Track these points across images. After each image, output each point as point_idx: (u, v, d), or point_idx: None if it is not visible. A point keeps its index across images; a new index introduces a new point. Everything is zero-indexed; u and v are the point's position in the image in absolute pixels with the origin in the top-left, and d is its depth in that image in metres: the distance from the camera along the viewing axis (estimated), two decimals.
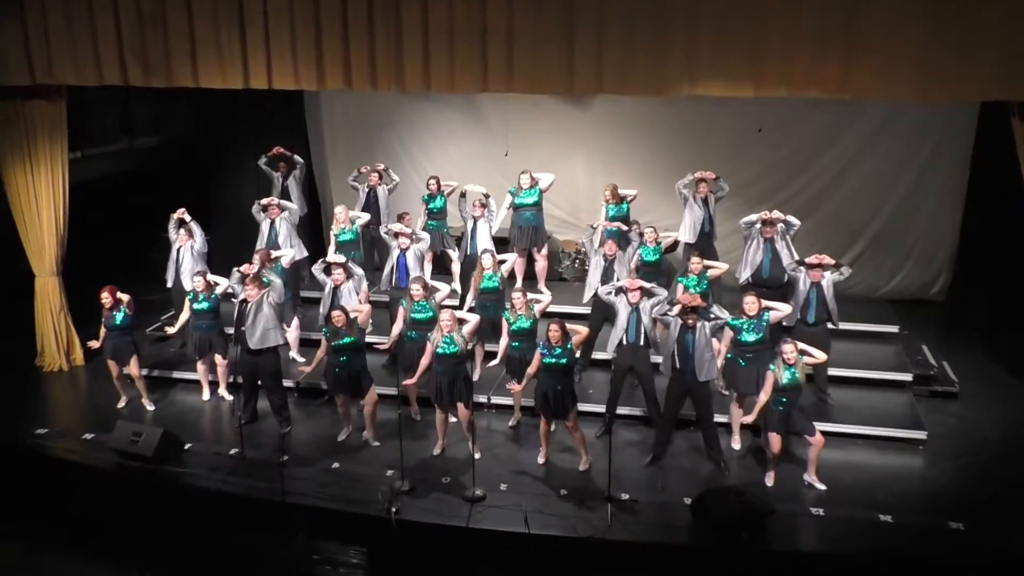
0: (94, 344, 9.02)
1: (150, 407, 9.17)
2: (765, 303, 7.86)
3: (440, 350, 7.69)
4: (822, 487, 7.47)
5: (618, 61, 7.83)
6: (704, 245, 9.81)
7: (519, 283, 10.07)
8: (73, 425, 8.89)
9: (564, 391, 7.55)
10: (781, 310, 7.95)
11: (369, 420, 8.33)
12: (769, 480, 7.55)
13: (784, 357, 7.25)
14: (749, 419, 7.54)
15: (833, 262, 8.48)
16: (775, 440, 7.38)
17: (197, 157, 12.47)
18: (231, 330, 8.77)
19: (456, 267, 10.45)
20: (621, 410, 8.48)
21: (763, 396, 7.35)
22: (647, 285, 8.00)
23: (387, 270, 9.32)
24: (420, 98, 11.64)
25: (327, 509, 7.36)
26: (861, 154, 10.89)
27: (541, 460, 8.00)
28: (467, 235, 10.06)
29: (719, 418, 8.13)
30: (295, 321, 9.75)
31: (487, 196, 9.98)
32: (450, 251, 10.57)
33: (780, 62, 7.50)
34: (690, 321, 7.54)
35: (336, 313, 8.00)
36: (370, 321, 8.39)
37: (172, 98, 12.06)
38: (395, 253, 9.27)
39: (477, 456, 7.74)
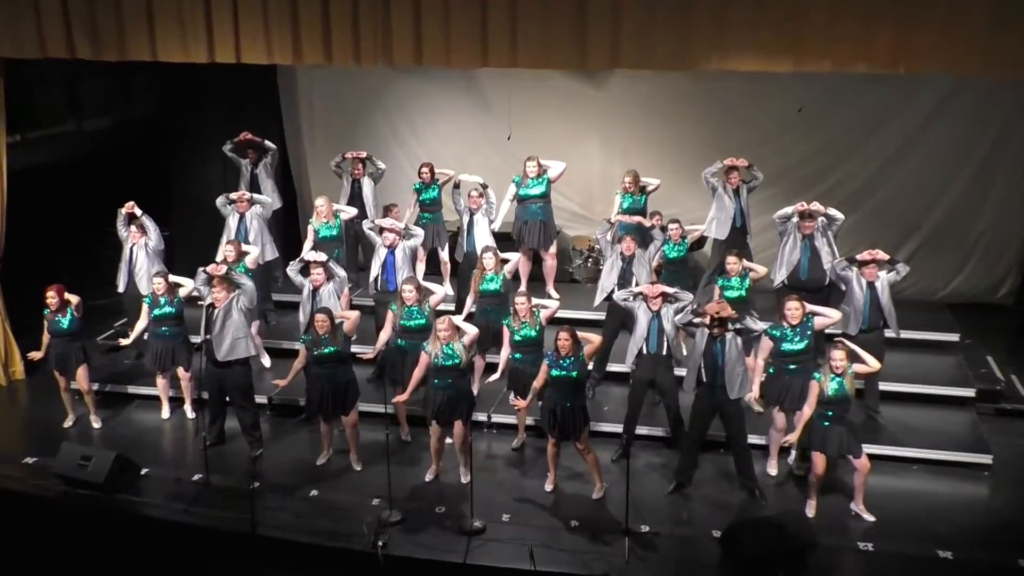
0: (35, 355, 9.08)
1: (96, 424, 9.23)
2: (809, 308, 7.92)
3: (438, 362, 7.75)
4: (871, 518, 7.51)
5: (637, 31, 7.87)
6: (737, 242, 9.86)
7: (523, 286, 10.12)
8: (12, 448, 8.93)
9: (574, 408, 7.61)
10: (828, 316, 8.00)
11: (352, 441, 8.39)
12: (810, 510, 7.59)
13: (832, 364, 7.30)
14: (793, 437, 7.58)
15: (887, 257, 8.53)
16: (819, 461, 7.43)
17: (155, 141, 12.53)
18: (196, 339, 8.82)
19: (447, 267, 10.49)
20: (640, 430, 8.52)
21: (807, 409, 7.40)
22: (669, 290, 8.05)
23: (373, 271, 9.37)
24: (410, 74, 11.71)
25: (304, 543, 7.39)
26: (916, 138, 10.93)
27: (549, 487, 8.04)
28: (463, 230, 10.12)
29: (753, 439, 8.14)
30: (255, 325, 9.66)
31: (484, 186, 10.03)
32: (441, 250, 10.62)
33: (823, 32, 7.53)
34: (715, 332, 7.59)
35: (320, 317, 8.05)
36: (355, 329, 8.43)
37: (126, 74, 12.14)
38: (382, 251, 9.32)
39: (466, 480, 7.82)
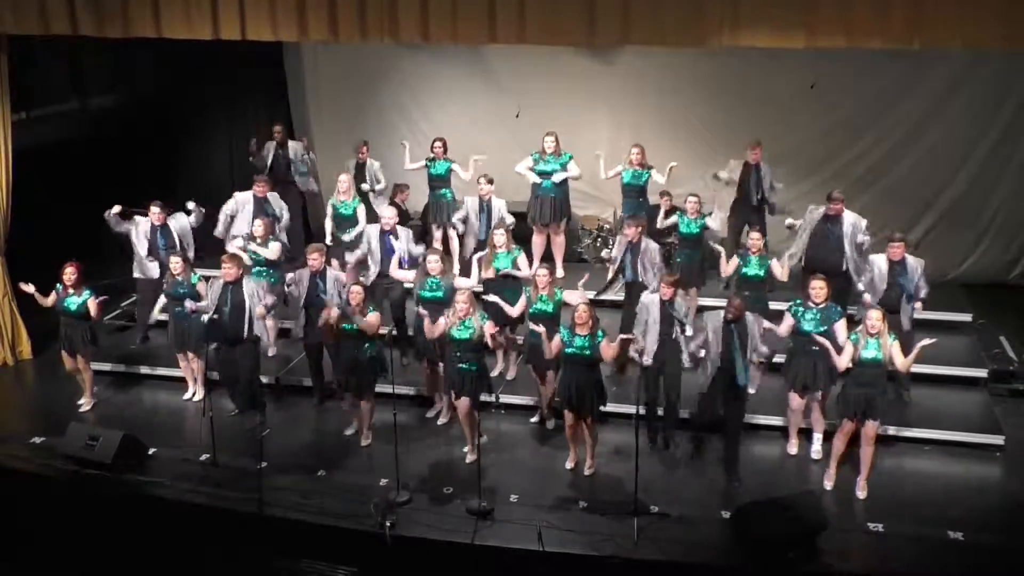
0: (29, 287, 8.91)
1: (86, 407, 9.20)
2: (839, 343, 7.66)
3: (454, 335, 7.77)
4: (862, 495, 7.53)
5: (647, 6, 7.81)
6: (752, 218, 9.85)
7: (535, 262, 10.07)
8: (19, 428, 8.98)
9: (589, 385, 7.62)
10: (836, 361, 7.59)
11: (366, 417, 8.45)
12: (828, 482, 7.60)
13: (868, 324, 7.23)
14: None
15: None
16: (847, 428, 7.45)
17: (159, 119, 12.52)
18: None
19: (456, 246, 10.40)
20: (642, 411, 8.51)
21: (844, 361, 7.34)
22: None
23: (374, 252, 9.24)
24: (417, 51, 11.65)
25: (312, 523, 7.43)
26: (931, 114, 10.86)
27: (569, 465, 8.04)
28: (473, 217, 9.95)
29: (774, 422, 8.26)
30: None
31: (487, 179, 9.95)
32: (449, 228, 10.51)
33: (836, 6, 7.46)
34: (731, 315, 7.56)
35: (355, 288, 8.06)
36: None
37: (130, 51, 12.10)
38: (374, 231, 9.23)
39: (471, 459, 7.81)
